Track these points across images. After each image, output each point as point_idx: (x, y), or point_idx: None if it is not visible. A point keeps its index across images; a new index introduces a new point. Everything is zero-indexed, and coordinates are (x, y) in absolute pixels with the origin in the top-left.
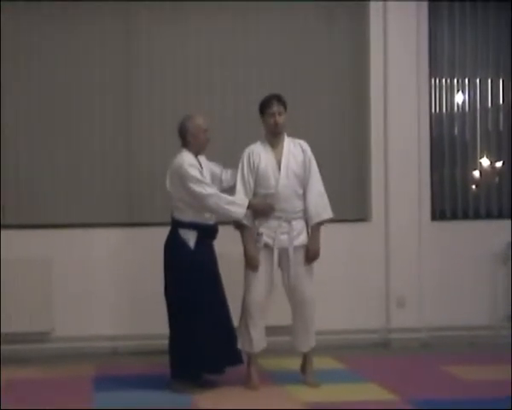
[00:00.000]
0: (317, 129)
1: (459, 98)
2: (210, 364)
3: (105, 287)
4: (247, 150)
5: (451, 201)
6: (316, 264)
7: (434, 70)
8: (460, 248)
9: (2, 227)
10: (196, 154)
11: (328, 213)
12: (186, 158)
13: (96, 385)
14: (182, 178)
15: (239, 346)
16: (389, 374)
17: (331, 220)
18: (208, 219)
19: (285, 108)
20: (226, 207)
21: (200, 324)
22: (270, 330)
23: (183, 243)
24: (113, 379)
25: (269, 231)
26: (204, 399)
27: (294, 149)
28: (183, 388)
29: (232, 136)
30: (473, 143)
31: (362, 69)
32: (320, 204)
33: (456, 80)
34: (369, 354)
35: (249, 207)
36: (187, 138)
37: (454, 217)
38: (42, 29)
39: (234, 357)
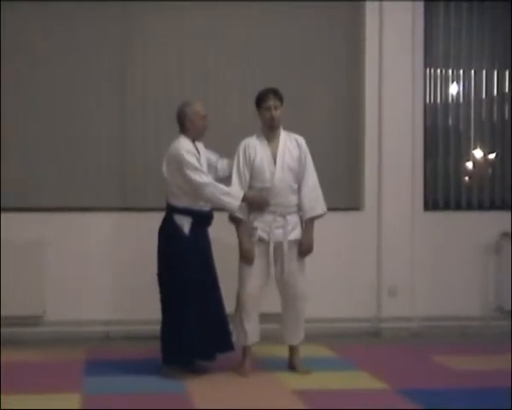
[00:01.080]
0: (310, 118)
1: (453, 89)
2: (201, 350)
3: (98, 271)
4: (242, 143)
5: (444, 191)
6: None
7: (429, 60)
8: (452, 239)
9: None
10: (194, 140)
11: (321, 209)
12: (184, 144)
13: (87, 369)
14: (179, 164)
15: (233, 339)
16: (380, 363)
17: (324, 214)
18: (203, 205)
19: (281, 102)
20: (221, 197)
21: (192, 310)
22: (263, 318)
23: (178, 229)
24: (104, 364)
25: (263, 225)
26: (195, 385)
27: (290, 144)
28: (175, 373)
29: (227, 129)
30: (466, 134)
31: (357, 59)
32: (314, 199)
33: (450, 71)
34: (360, 342)
35: (244, 199)
36: (185, 124)
37: (447, 207)
38: (41, 27)
39: (225, 344)
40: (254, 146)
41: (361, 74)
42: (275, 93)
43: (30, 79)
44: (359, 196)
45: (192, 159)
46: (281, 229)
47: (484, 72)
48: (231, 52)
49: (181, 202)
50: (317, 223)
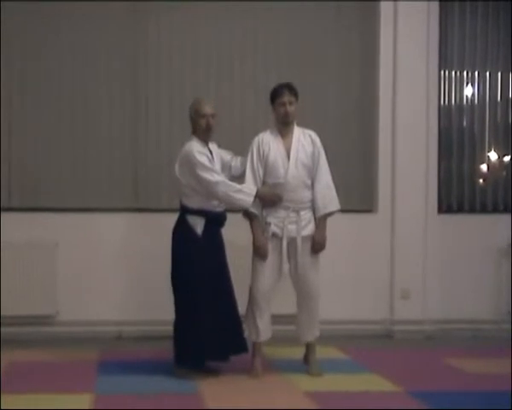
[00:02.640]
0: (325, 120)
1: (468, 91)
2: (213, 351)
3: (111, 272)
4: (256, 139)
5: (458, 194)
6: (322, 254)
7: (444, 62)
8: (465, 242)
9: (9, 210)
10: (205, 140)
11: (335, 206)
12: (195, 145)
13: (100, 369)
14: (190, 164)
15: (245, 335)
16: (392, 366)
17: (337, 211)
18: (216, 206)
19: (296, 97)
20: (234, 195)
21: (205, 311)
22: (274, 319)
23: (191, 230)
24: (116, 364)
25: (277, 220)
26: (208, 386)
27: (304, 140)
28: (187, 374)
29: (241, 127)
30: (481, 137)
31: (371, 60)
32: (327, 196)
33: (465, 73)
34: (372, 345)
35: (257, 196)
36: (193, 125)
37: (460, 210)
38: (45, 27)
39: (238, 345)
40: (268, 142)
41: (375, 76)
42: (290, 88)
43: (36, 77)
44: (373, 198)
45: (203, 159)
46: (294, 224)
47: (499, 74)
48: (245, 51)
49: (194, 202)
50: (330, 224)
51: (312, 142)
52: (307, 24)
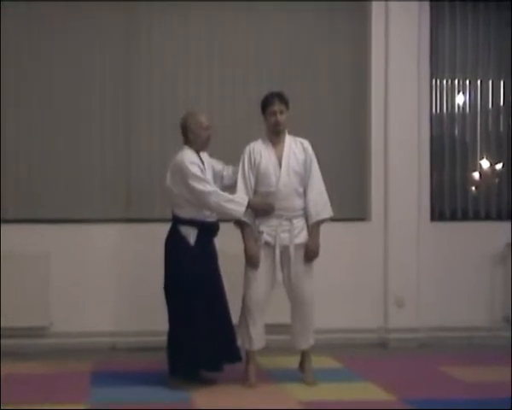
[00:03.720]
0: (317, 128)
1: (460, 99)
2: (207, 361)
3: (104, 283)
4: (248, 148)
5: (451, 201)
6: (315, 262)
7: (435, 71)
8: (459, 249)
9: (1, 222)
10: (198, 151)
11: (327, 212)
12: (187, 155)
13: (94, 381)
14: (182, 175)
15: (238, 343)
16: (387, 374)
17: (331, 219)
18: (208, 216)
19: (287, 106)
20: (226, 205)
21: (198, 321)
22: (269, 329)
23: (183, 240)
24: (110, 375)
25: (269, 229)
26: (201, 396)
27: (295, 148)
28: (181, 384)
29: (231, 133)
30: (473, 145)
31: (363, 69)
32: (320, 203)
33: (456, 81)
34: (367, 353)
35: (249, 205)
36: (188, 135)
37: (453, 218)
38: (42, 27)
39: (232, 354)
40: (259, 150)
41: (367, 84)
42: (280, 97)
43: (29, 87)
44: (366, 206)
45: (195, 169)
46: (287, 233)
47: (490, 82)
48: (237, 55)
49: (186, 212)
50: (323, 233)
51: (304, 150)
52: (298, 32)
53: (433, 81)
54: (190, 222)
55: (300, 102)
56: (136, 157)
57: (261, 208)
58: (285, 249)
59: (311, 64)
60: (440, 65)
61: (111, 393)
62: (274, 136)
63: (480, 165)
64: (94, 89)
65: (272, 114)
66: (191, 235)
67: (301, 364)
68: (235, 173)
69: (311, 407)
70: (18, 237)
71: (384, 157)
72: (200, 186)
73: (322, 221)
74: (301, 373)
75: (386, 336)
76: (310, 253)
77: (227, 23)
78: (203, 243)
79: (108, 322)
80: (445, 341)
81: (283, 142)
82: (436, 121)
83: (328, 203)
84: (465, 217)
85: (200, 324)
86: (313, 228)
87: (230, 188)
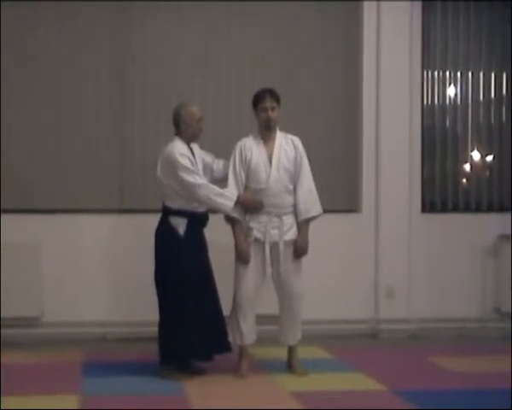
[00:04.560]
0: (308, 120)
1: (451, 91)
2: (198, 351)
3: (95, 273)
4: (239, 144)
5: (442, 193)
6: (306, 254)
7: (427, 62)
8: (449, 241)
9: None
10: (189, 142)
11: (317, 210)
12: (177, 147)
13: (85, 371)
14: (172, 166)
15: (230, 339)
16: (377, 365)
17: (319, 216)
18: (198, 206)
19: (278, 102)
20: (215, 198)
21: (189, 311)
22: (260, 319)
23: (173, 231)
24: (102, 365)
25: (259, 225)
26: (193, 386)
27: (286, 145)
28: (172, 375)
29: (225, 128)
30: (464, 137)
31: (355, 61)
32: (309, 200)
33: (448, 73)
34: (357, 344)
35: (238, 201)
36: (180, 126)
37: (444, 209)
38: (42, 27)
39: (223, 344)
40: (250, 147)
41: (359, 76)
42: (271, 94)
43: (22, 79)
44: (357, 197)
45: (185, 161)
46: (276, 229)
47: (481, 74)
48: (230, 52)
49: (175, 203)
50: (314, 225)
51: (295, 147)
52: (290, 27)
53: (425, 73)
54: (180, 213)
55: (293, 95)
56: (130, 148)
57: (250, 205)
58: (275, 246)
59: (302, 58)
60: (432, 57)
61: (103, 383)
62: (265, 132)
63: (471, 157)
64: (88, 78)
65: (264, 111)
66: (181, 225)
67: (289, 360)
68: (225, 167)
69: (302, 398)
70: (9, 227)
71: (375, 149)
72: (189, 178)
73: (312, 219)
74: (290, 368)
75: (377, 327)
76: (299, 249)
77: (220, 20)
78: (193, 234)
79: (100, 312)
80: (436, 332)
81: (274, 138)
82: (427, 113)
83: (318, 201)
84: (456, 209)
85: (190, 313)
86: (302, 225)
87: (220, 181)
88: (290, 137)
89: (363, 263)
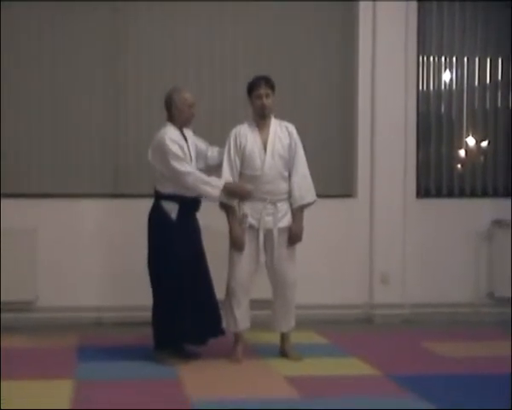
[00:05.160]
0: (304, 107)
1: (446, 76)
2: (192, 335)
3: (90, 258)
4: (233, 131)
5: (437, 178)
6: (301, 240)
7: (422, 48)
8: (444, 226)
9: None
10: (181, 127)
11: (311, 196)
12: (169, 132)
13: (80, 355)
14: (163, 152)
15: (223, 325)
16: (371, 349)
17: (317, 196)
18: (188, 191)
19: (273, 90)
20: (202, 186)
21: (182, 295)
22: (254, 304)
23: (165, 215)
24: (96, 350)
25: (254, 212)
26: (188, 371)
27: (281, 132)
28: (166, 359)
29: (220, 117)
30: (459, 122)
31: (350, 46)
32: (304, 187)
33: (443, 58)
34: (352, 329)
35: (224, 189)
36: (172, 111)
37: (439, 195)
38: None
39: (217, 328)
40: (245, 134)
41: (354, 62)
42: (266, 81)
43: (28, 73)
44: (352, 182)
45: (175, 147)
46: (271, 216)
47: (477, 59)
48: (224, 42)
49: (167, 188)
50: (309, 210)
51: (289, 134)
52: (286, 18)
53: (420, 58)
54: (171, 197)
55: (288, 82)
56: (124, 133)
57: (238, 193)
58: (269, 233)
59: (298, 45)
60: (427, 42)
61: (97, 368)
62: (260, 119)
63: (466, 142)
64: (83, 66)
65: (258, 98)
66: (173, 210)
67: (282, 347)
68: (219, 154)
69: (296, 383)
70: (4, 211)
71: (370, 134)
72: (178, 166)
73: (306, 205)
74: (283, 354)
75: (372, 311)
76: (293, 236)
77: (215, 21)
78: (185, 218)
79: (94, 297)
80: (430, 317)
81: (269, 126)
82: (423, 98)
83: (312, 187)
84: (451, 194)
85: (183, 298)
86: (297, 212)
87: (215, 168)
88: (285, 124)
89: (357, 248)
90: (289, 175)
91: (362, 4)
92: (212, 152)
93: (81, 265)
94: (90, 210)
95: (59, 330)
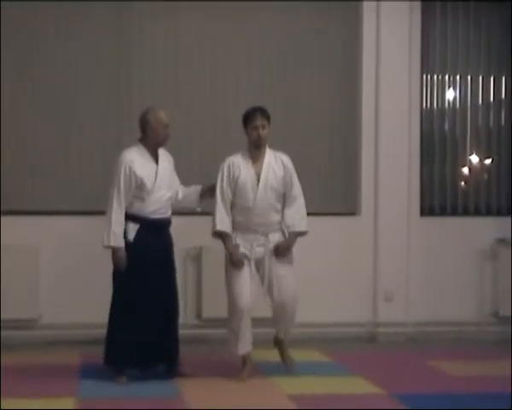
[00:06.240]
0: (307, 123)
1: (450, 95)
2: (130, 357)
3: (93, 275)
4: (227, 161)
5: (440, 196)
6: (305, 256)
7: (426, 66)
8: (448, 244)
9: None
10: (155, 148)
11: (303, 226)
12: (131, 155)
13: (83, 373)
14: (115, 171)
15: (229, 348)
16: (375, 368)
17: (321, 213)
18: (153, 212)
19: (268, 120)
20: (106, 226)
21: (126, 317)
22: (257, 322)
23: (125, 235)
24: (99, 367)
25: (245, 243)
26: (190, 388)
27: (275, 164)
28: (115, 375)
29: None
30: (463, 140)
31: (354, 65)
32: (297, 217)
33: (447, 77)
34: (355, 347)
35: (113, 251)
36: (146, 131)
37: (443, 213)
38: (42, 27)
39: (166, 357)
40: (239, 165)
41: (358, 79)
42: (262, 112)
43: (28, 87)
44: (356, 200)
45: (124, 178)
46: (262, 247)
47: (480, 78)
48: (227, 52)
49: (130, 208)
50: (313, 227)
51: (284, 166)
52: (290, 29)
53: (424, 77)
54: (132, 217)
55: (292, 97)
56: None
57: (116, 263)
58: (261, 261)
59: (301, 61)
60: (431, 60)
61: (100, 385)
62: (254, 150)
63: (470, 160)
64: (86, 85)
65: (254, 129)
66: (131, 230)
67: (281, 355)
68: (187, 195)
69: (300, 401)
70: (7, 229)
71: (374, 152)
72: (112, 194)
73: (298, 233)
74: (285, 365)
75: (375, 330)
76: (279, 248)
77: (218, 22)
78: (146, 239)
79: (97, 314)
80: (434, 335)
81: (263, 157)
82: (426, 116)
83: (305, 218)
84: (454, 212)
85: (126, 318)
86: (290, 235)
87: (185, 208)
88: (279, 155)
89: (361, 266)
90: (283, 207)
91: (365, 22)
92: (183, 191)
93: (84, 282)
94: (93, 227)
95: (62, 347)
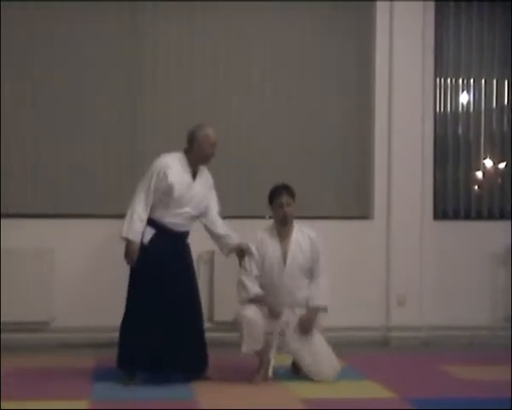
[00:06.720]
0: (321, 127)
1: (464, 98)
2: (142, 361)
3: (106, 278)
4: (257, 238)
5: (454, 200)
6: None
7: (439, 70)
8: (461, 248)
9: (5, 217)
10: (197, 164)
11: (323, 301)
12: (169, 159)
13: (96, 376)
14: (148, 170)
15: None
16: (388, 372)
17: (333, 217)
18: (172, 224)
19: (294, 198)
20: (127, 218)
21: (139, 318)
22: None
23: (142, 238)
24: (113, 370)
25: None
26: (203, 391)
27: (302, 241)
28: (123, 378)
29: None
30: (476, 144)
31: (367, 68)
32: (316, 292)
33: (461, 80)
34: (368, 351)
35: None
36: (193, 144)
37: (456, 217)
38: (43, 27)
39: (181, 363)
40: (266, 243)
41: (371, 83)
42: (287, 190)
43: (31, 85)
44: (369, 204)
45: (155, 177)
46: (287, 317)
47: (494, 81)
48: (242, 53)
49: (152, 213)
50: (327, 231)
51: (311, 243)
52: (302, 30)
53: (438, 80)
54: (151, 222)
55: (305, 99)
56: (140, 153)
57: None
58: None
59: (315, 64)
60: (445, 64)
61: (113, 388)
62: (281, 227)
63: (484, 164)
64: (99, 89)
65: (280, 207)
66: (148, 234)
67: (294, 364)
68: (219, 237)
69: (313, 405)
70: (21, 232)
71: (388, 156)
72: (138, 191)
73: (317, 309)
74: (296, 371)
75: (388, 334)
76: (302, 324)
77: (233, 22)
78: (162, 244)
79: (110, 317)
80: (447, 340)
81: (290, 234)
82: (440, 120)
83: (328, 293)
84: (468, 216)
85: (140, 322)
86: (309, 310)
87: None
88: (307, 232)
89: (374, 270)
90: (309, 282)
91: (379, 28)
92: (218, 232)
93: (98, 285)
94: (107, 231)
95: (75, 350)
